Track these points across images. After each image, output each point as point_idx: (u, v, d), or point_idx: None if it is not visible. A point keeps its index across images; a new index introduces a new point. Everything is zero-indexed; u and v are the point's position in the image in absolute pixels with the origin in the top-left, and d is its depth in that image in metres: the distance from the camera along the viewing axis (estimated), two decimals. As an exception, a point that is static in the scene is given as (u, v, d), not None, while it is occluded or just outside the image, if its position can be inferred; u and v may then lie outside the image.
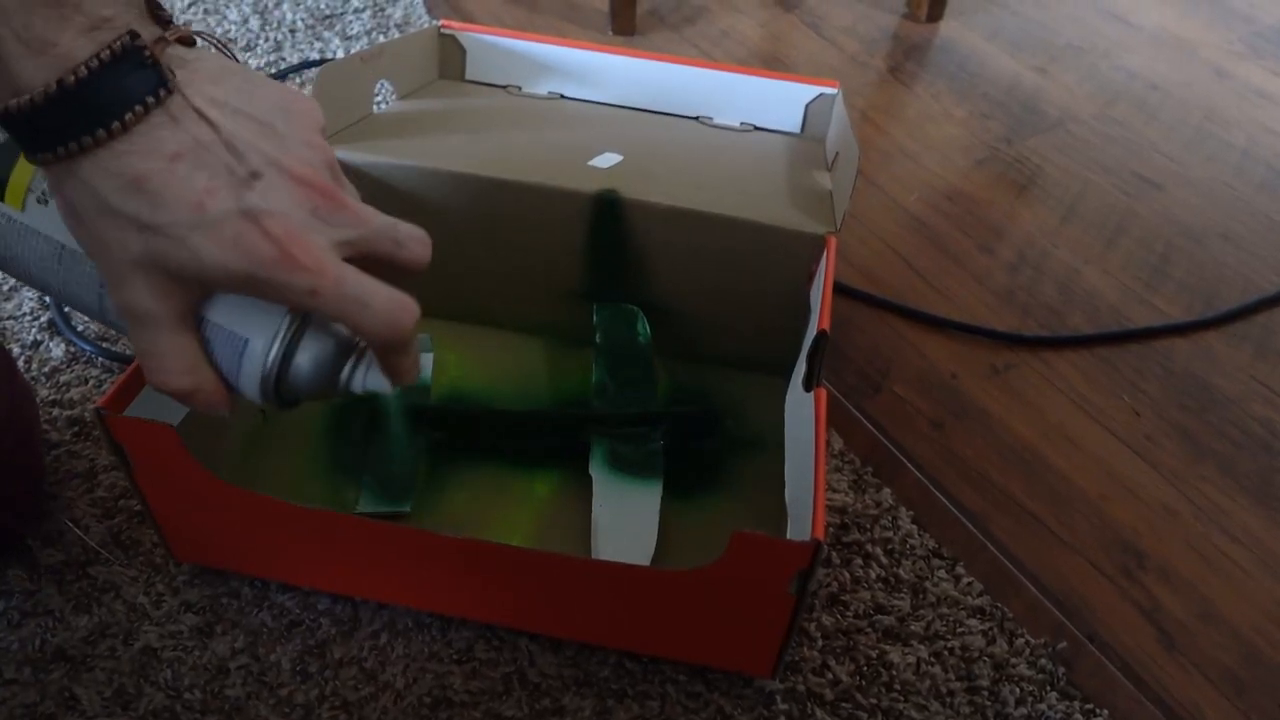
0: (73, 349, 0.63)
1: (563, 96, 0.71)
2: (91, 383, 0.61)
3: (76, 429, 0.59)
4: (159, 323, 0.34)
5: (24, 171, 0.36)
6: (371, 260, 0.36)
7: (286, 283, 0.33)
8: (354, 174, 0.59)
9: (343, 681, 0.48)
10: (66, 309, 0.65)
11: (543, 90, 0.71)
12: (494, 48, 0.71)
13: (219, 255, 0.32)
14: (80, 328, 0.65)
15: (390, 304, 0.35)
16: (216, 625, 0.50)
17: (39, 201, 0.36)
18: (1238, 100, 1.01)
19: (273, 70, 0.92)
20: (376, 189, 0.59)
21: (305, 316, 0.36)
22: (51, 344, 0.63)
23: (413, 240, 0.37)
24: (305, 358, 0.36)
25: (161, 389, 0.36)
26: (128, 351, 0.63)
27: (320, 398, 0.38)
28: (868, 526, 0.57)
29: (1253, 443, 0.65)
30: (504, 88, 0.72)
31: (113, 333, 0.65)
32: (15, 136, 0.32)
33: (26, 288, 0.67)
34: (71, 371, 0.62)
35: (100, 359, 0.63)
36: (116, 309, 0.35)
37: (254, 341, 0.35)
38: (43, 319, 0.65)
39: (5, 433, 0.49)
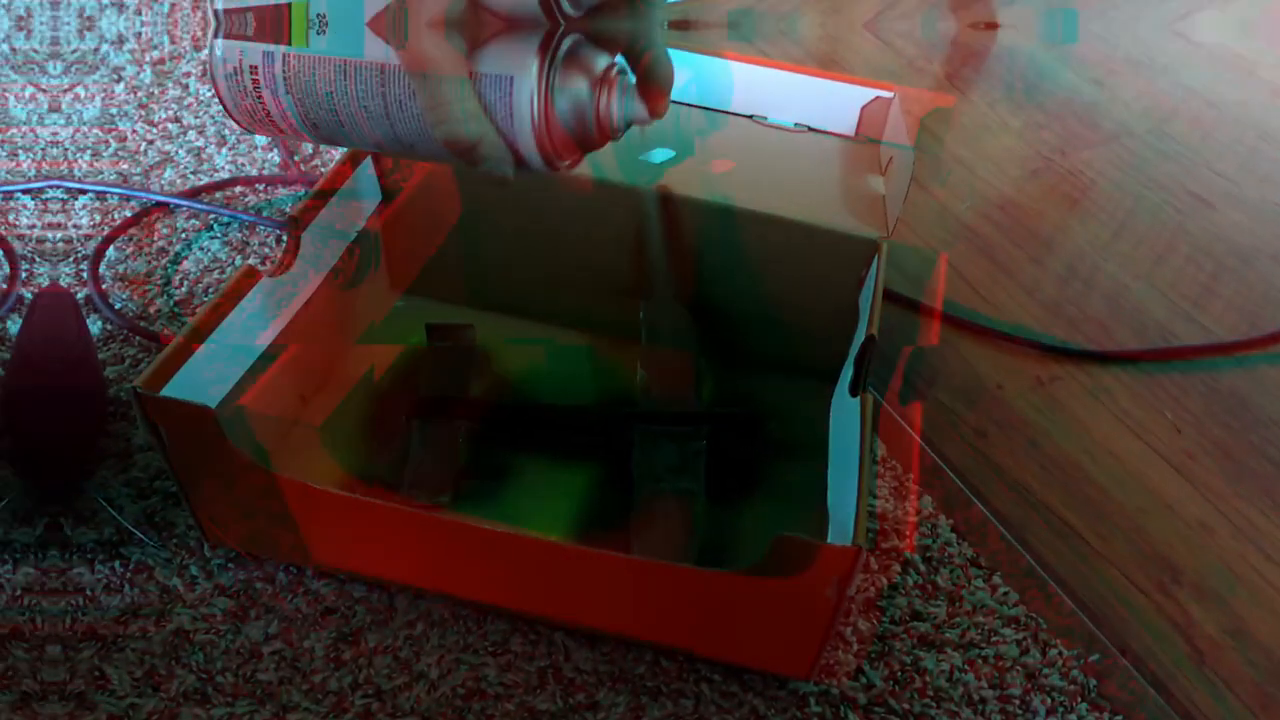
0: (109, 327, 0.63)
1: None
2: (128, 361, 0.61)
3: (112, 409, 0.58)
4: (443, 67, 0.38)
5: (299, 11, 0.41)
6: None
7: None
8: (398, 162, 0.59)
9: (376, 670, 0.47)
10: (104, 285, 0.65)
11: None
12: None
13: None
14: (119, 305, 0.64)
15: None
16: (250, 609, 0.49)
17: (318, 33, 0.41)
18: (1293, 122, 0.99)
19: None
20: (421, 179, 0.59)
21: (555, 50, 0.40)
22: (88, 321, 0.63)
23: None
24: (565, 81, 0.41)
25: (453, 139, 0.40)
26: (165, 330, 0.63)
27: (584, 139, 0.43)
28: (907, 533, 0.56)
29: (1295, 465, 0.64)
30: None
31: (150, 311, 0.64)
32: None
33: (65, 263, 0.67)
34: (108, 350, 0.62)
35: (137, 338, 0.62)
36: (404, 60, 0.39)
37: (518, 77, 0.40)
38: (80, 295, 0.65)
39: (88, 355, 0.55)
